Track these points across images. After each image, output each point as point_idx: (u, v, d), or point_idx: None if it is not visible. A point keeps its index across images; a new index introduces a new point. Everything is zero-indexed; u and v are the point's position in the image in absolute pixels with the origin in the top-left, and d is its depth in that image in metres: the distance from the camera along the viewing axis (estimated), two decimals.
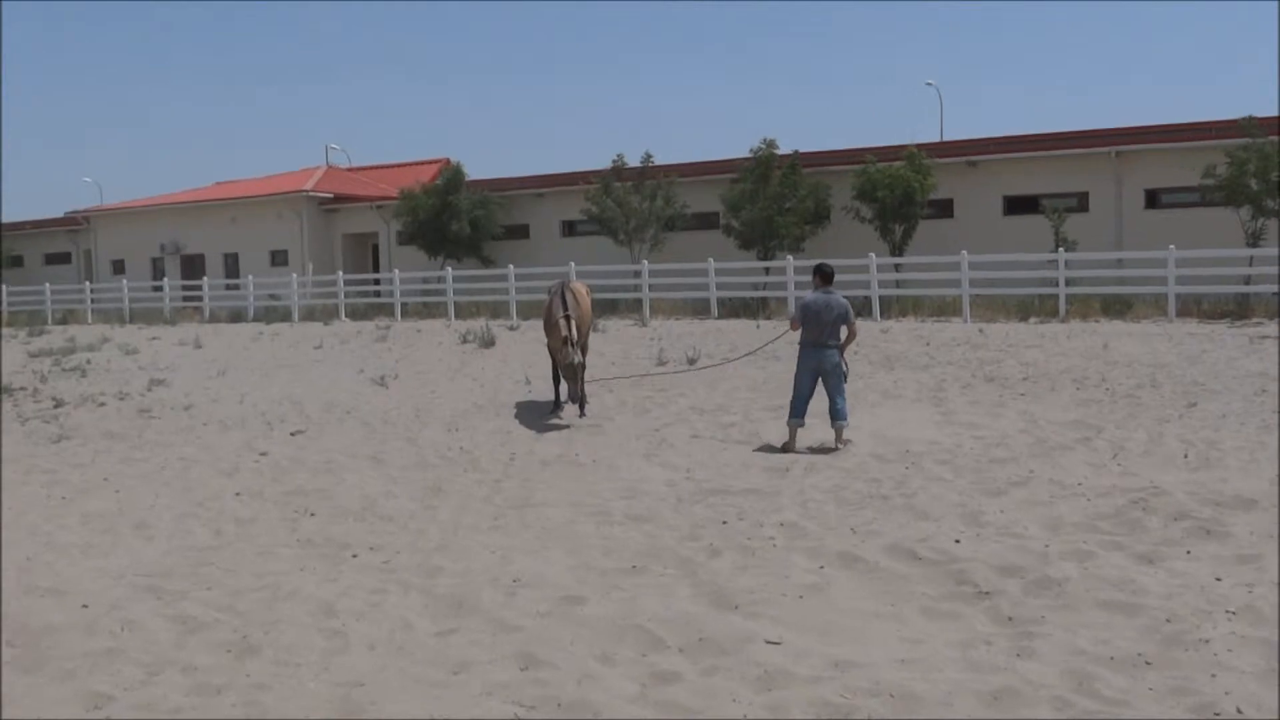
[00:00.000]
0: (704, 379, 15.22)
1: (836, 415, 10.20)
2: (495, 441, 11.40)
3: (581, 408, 12.32)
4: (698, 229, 32.97)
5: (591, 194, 31.67)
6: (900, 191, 26.75)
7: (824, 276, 10.44)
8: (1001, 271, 23.26)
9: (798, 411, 10.25)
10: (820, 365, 10.18)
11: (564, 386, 13.53)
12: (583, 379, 12.19)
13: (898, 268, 27.16)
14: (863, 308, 24.83)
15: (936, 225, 28.70)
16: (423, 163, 47.11)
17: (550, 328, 12.59)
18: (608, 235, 31.62)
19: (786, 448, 10.27)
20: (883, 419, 11.62)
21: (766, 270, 28.49)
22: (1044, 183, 28.08)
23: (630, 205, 31.33)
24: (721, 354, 18.09)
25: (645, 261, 28.09)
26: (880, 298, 24.37)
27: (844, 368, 10.35)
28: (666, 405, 13.16)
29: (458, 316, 30.53)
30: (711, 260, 26.75)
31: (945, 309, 23.81)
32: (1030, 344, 17.17)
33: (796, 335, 10.94)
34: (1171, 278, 20.83)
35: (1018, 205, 28.57)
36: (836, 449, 10.12)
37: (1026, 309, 22.58)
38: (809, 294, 10.31)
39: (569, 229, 36.81)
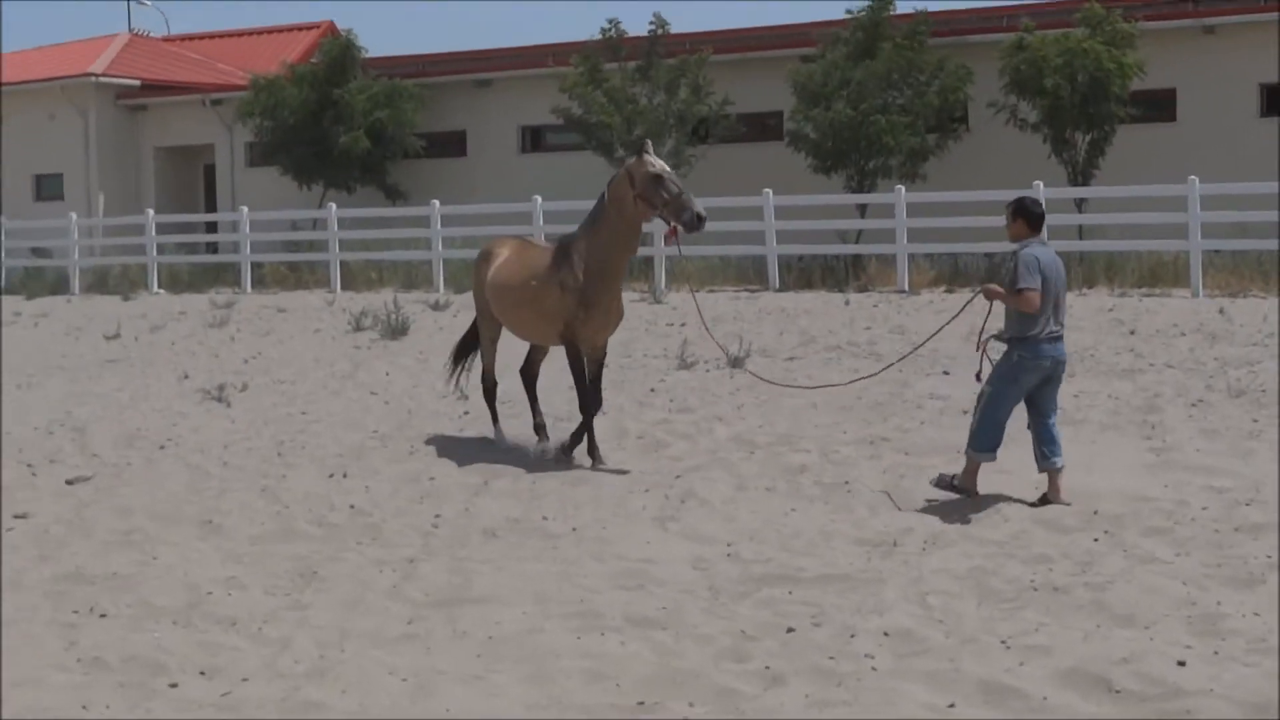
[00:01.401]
0: (754, 392, 15.23)
1: (1054, 450, 10.39)
2: (408, 495, 11.39)
3: (593, 447, 12.32)
4: (746, 140, 33.10)
5: (570, 83, 31.86)
6: (1084, 78, 26.81)
7: (1034, 220, 10.48)
8: (1264, 213, 23.16)
9: (993, 440, 10.40)
10: (1054, 369, 10.37)
11: (504, 411, 13.47)
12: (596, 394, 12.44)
13: (1080, 205, 27.26)
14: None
15: (1146, 134, 28.87)
16: (290, 29, 47.52)
17: (529, 294, 12.52)
18: (596, 150, 31.77)
19: (963, 488, 10.43)
20: (1065, 459, 11.60)
21: (862, 210, 28.58)
22: None
23: (632, 101, 31.41)
24: (788, 348, 18.12)
25: None
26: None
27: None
28: (694, 435, 13.17)
29: (347, 286, 30.70)
30: (769, 193, 26.84)
31: (1160, 273, 23.94)
32: None
33: (992, 316, 10.93)
34: None
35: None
36: (1045, 505, 10.24)
37: None
38: (1035, 247, 10.31)
39: (532, 140, 36.97)
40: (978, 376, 10.52)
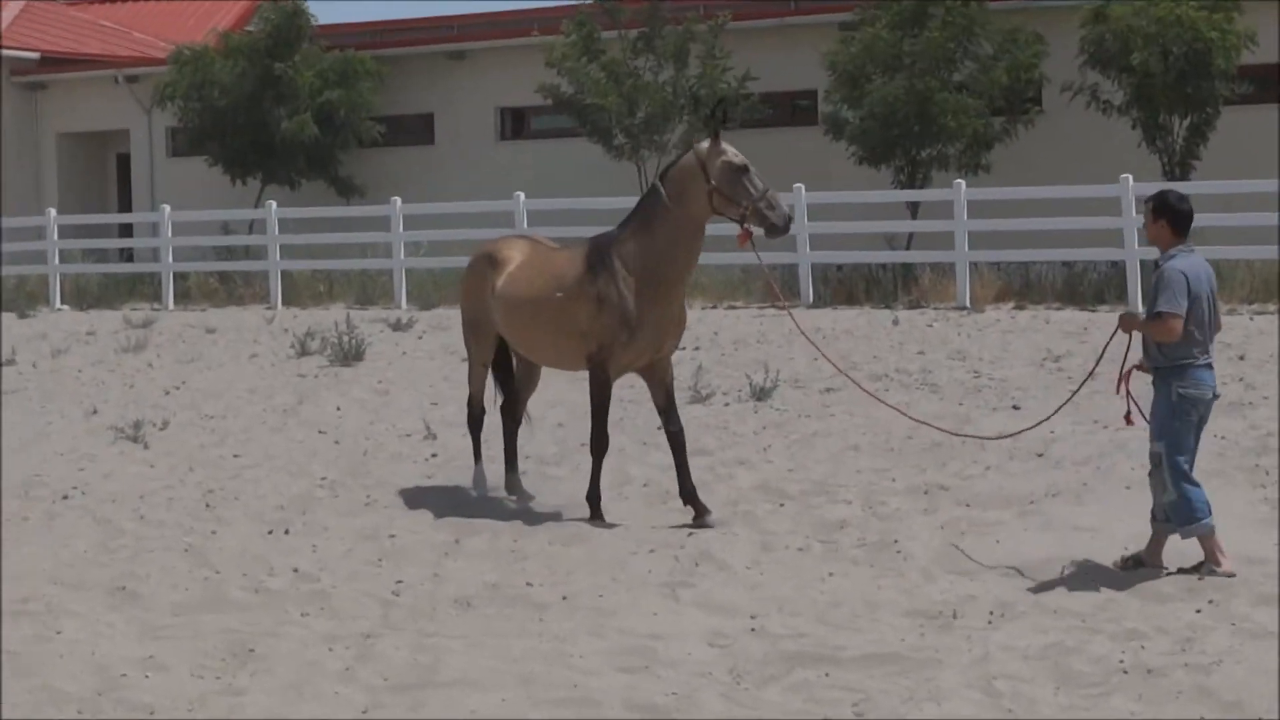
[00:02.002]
0: (784, 430, 15.23)
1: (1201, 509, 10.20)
2: (364, 556, 11.40)
3: (699, 508, 12.10)
4: (772, 124, 33.13)
5: (559, 55, 31.92)
6: (1180, 50, 26.83)
7: (1181, 220, 10.32)
8: None
9: (1199, 502, 10.09)
10: (1210, 405, 10.30)
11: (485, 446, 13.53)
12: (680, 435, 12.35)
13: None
14: (1106, 281, 24.94)
15: (1257, 118, 28.97)
16: None
17: (553, 308, 12.29)
18: (591, 136, 31.87)
19: (1146, 560, 10.28)
20: (1137, 510, 11.62)
21: (914, 210, 28.60)
22: None
23: (635, 76, 31.49)
24: (824, 377, 18.13)
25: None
26: (1143, 265, 24.47)
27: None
28: (710, 483, 13.17)
29: (289, 302, 30.73)
30: (801, 189, 26.90)
31: (1275, 286, 23.86)
32: None
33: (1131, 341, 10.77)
34: None
35: None
36: (1197, 572, 10.11)
37: None
38: (1181, 258, 10.15)
39: (514, 124, 37.06)
40: (1126, 418, 10.57)
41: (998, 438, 13.25)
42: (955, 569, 10.51)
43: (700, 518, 11.92)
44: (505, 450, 13.34)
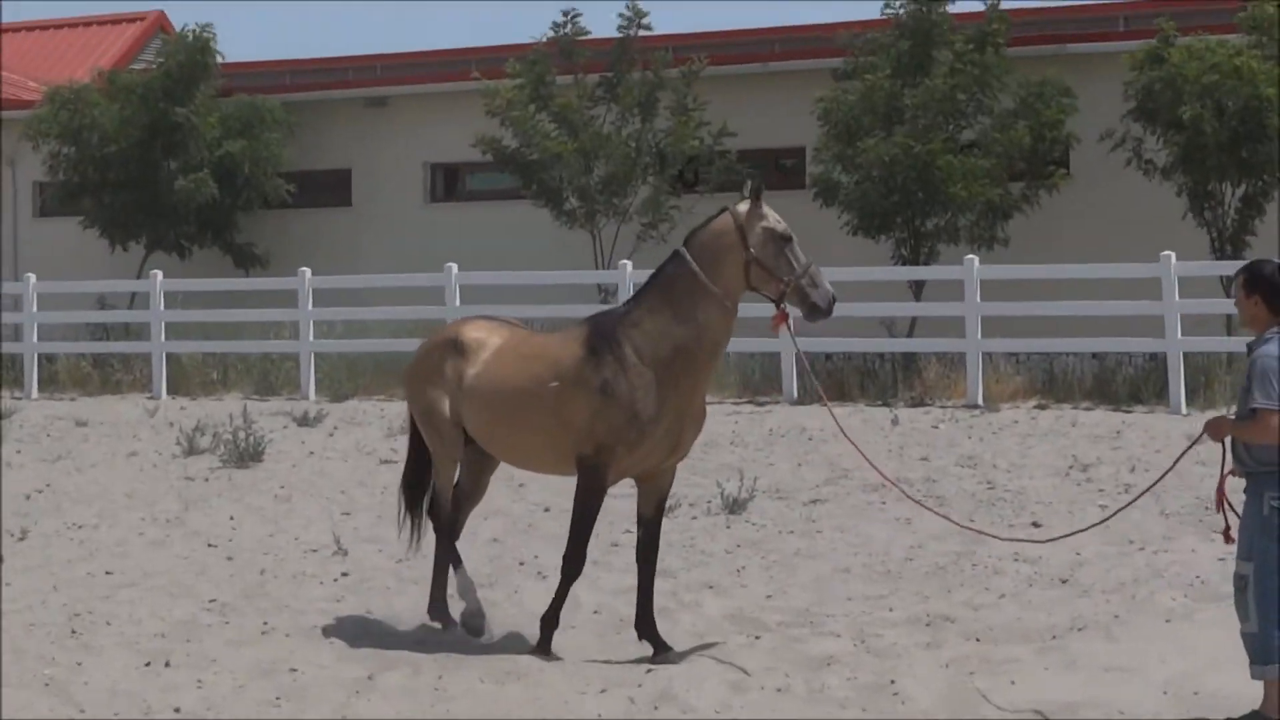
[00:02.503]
0: (761, 549, 15.20)
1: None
2: (259, 695, 11.29)
3: (658, 643, 12.04)
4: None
5: (503, 101, 31.96)
6: (1238, 109, 27.05)
7: (1274, 292, 10.12)
8: None
9: None
10: None
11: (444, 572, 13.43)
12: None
13: (1229, 286, 27.33)
14: (1143, 377, 24.97)
15: None
16: (103, 21, 47.64)
17: (545, 401, 12.06)
18: (538, 199, 31.97)
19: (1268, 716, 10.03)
20: (1179, 646, 11.65)
21: (918, 290, 28.68)
22: None
23: (592, 126, 31.58)
24: (810, 486, 18.12)
25: (627, 264, 28.36)
26: (1186, 356, 24.63)
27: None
28: (674, 610, 13.14)
29: (177, 390, 30.59)
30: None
31: None
32: None
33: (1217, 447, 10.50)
34: None
35: None
36: None
37: None
38: (1275, 344, 9.97)
39: (446, 183, 37.17)
40: (1226, 535, 10.36)
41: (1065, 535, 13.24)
42: (963, 715, 10.45)
43: (660, 653, 11.83)
44: (435, 570, 13.18)
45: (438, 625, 13.02)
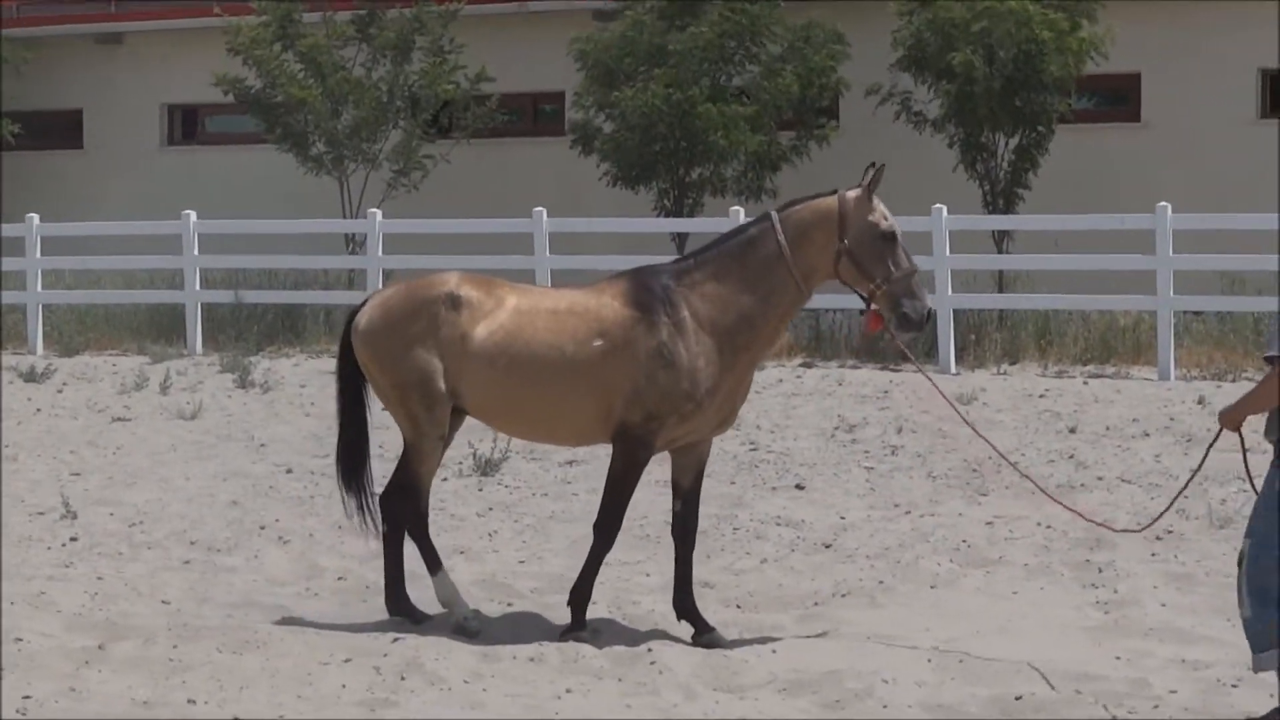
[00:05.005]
0: (514, 512, 15.24)
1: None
2: None
3: (698, 624, 11.66)
4: (511, 134, 33.28)
5: (246, 40, 31.63)
6: (1011, 56, 27.38)
7: None
8: (1263, 256, 23.78)
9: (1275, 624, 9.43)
10: None
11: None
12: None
13: (1001, 241, 27.76)
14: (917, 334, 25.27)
15: (1100, 139, 29.82)
16: None
17: (585, 363, 11.44)
18: (284, 145, 31.78)
19: None
20: (944, 613, 11.84)
21: (680, 242, 28.75)
22: None
23: (343, 69, 31.39)
24: (564, 451, 18.18)
25: (377, 213, 28.17)
26: (956, 314, 24.95)
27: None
28: (421, 574, 13.07)
29: None
30: (542, 213, 26.91)
31: (1114, 344, 24.44)
32: None
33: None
34: None
35: None
36: None
37: None
38: None
39: (185, 126, 36.75)
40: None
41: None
42: (722, 685, 10.49)
43: (702, 634, 11.48)
44: (425, 555, 12.24)
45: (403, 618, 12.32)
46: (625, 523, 14.65)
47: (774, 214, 11.52)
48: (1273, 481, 9.36)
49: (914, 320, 11.22)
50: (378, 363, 11.91)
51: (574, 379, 11.42)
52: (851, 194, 11.28)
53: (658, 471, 16.61)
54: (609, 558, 13.43)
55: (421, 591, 12.06)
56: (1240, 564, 9.46)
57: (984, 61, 27.08)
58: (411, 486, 12.08)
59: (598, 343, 11.33)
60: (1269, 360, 9.24)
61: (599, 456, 17.81)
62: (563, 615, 11.95)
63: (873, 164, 11.56)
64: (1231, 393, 21.07)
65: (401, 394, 11.87)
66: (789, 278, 11.34)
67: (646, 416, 11.30)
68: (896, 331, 11.41)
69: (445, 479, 16.89)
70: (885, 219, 11.21)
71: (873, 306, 11.36)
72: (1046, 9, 27.16)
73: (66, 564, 13.83)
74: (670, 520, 11.91)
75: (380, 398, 12.11)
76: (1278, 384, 9.13)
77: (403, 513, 12.06)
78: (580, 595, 11.62)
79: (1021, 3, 27.01)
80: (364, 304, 12.20)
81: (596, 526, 11.65)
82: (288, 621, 11.94)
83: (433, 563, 11.98)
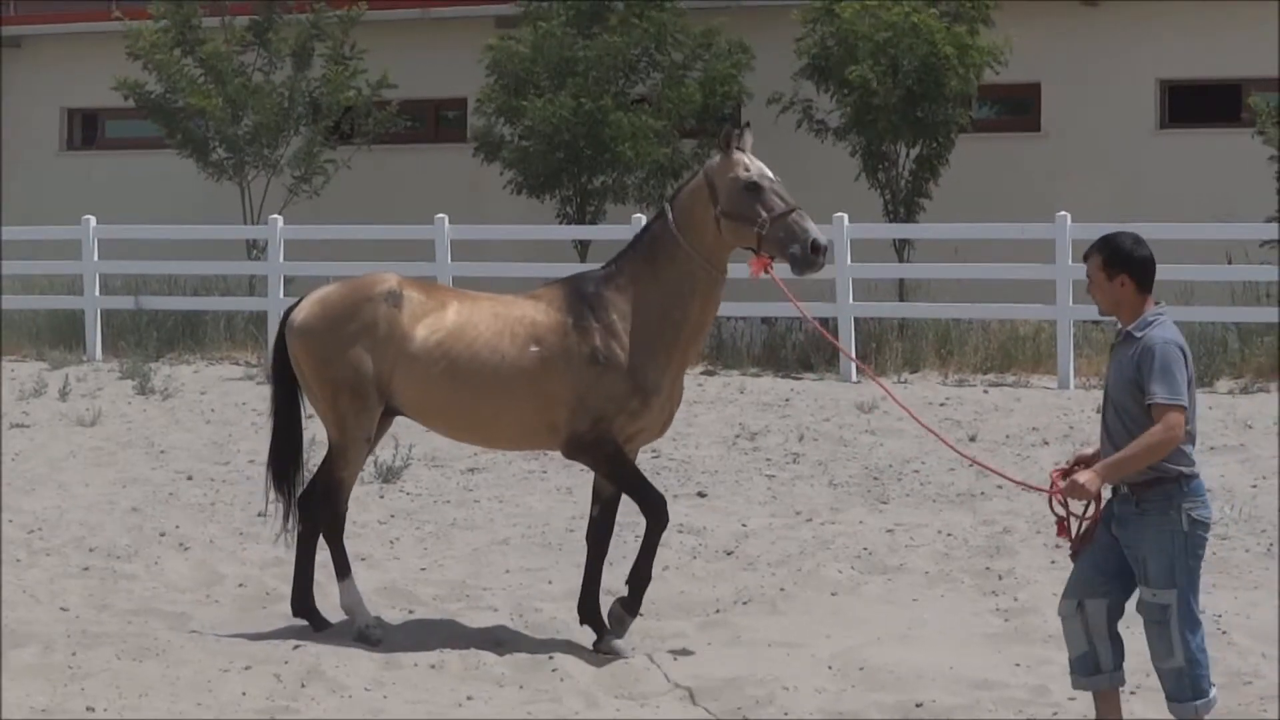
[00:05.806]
0: (415, 519, 15.22)
1: (1119, 657, 9.29)
2: None
3: (599, 630, 11.57)
4: (412, 140, 33.21)
5: (146, 44, 31.45)
6: (914, 66, 27.53)
7: (1145, 272, 9.22)
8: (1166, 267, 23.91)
9: (1206, 673, 9.04)
10: None
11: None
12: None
13: (902, 250, 27.93)
14: (813, 343, 25.36)
15: (1000, 149, 29.93)
16: None
17: (525, 370, 11.41)
18: (184, 150, 31.62)
19: None
20: (844, 620, 11.93)
21: (583, 251, 28.76)
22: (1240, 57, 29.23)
23: (242, 74, 31.29)
24: (467, 458, 18.15)
25: (278, 219, 28.11)
26: (858, 323, 25.05)
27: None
28: (323, 581, 13.05)
29: None
30: (444, 220, 26.88)
31: (1014, 353, 24.61)
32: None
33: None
34: None
35: (1189, 100, 29.94)
36: None
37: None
38: (1167, 325, 9.03)
39: (84, 130, 36.50)
40: (1062, 529, 9.40)
41: None
42: (624, 692, 10.55)
43: (603, 641, 11.40)
44: (336, 560, 12.11)
45: (304, 623, 12.08)
46: (527, 530, 14.76)
47: (666, 206, 11.66)
48: (1160, 523, 8.83)
49: (803, 256, 11.14)
50: (311, 360, 11.79)
51: (512, 383, 11.43)
52: (712, 162, 11.40)
53: (559, 478, 16.74)
54: (511, 564, 13.50)
55: (321, 600, 12.07)
56: (1166, 619, 8.84)
57: (886, 74, 27.12)
58: (332, 489, 11.97)
59: (534, 348, 11.38)
60: (1161, 406, 8.65)
61: (500, 464, 17.91)
62: (471, 623, 11.97)
63: (732, 125, 11.76)
64: None
65: (332, 393, 11.76)
66: (691, 261, 11.35)
67: (594, 421, 11.32)
68: (795, 272, 11.26)
69: None
70: (746, 170, 11.16)
71: (758, 253, 11.27)
72: (946, 19, 27.21)
73: None
74: (586, 525, 11.86)
75: (309, 397, 12.03)
76: (1177, 429, 8.63)
77: (320, 515, 11.96)
78: (640, 579, 11.54)
79: (924, 16, 27.10)
80: (299, 301, 12.12)
81: (644, 511, 11.50)
82: (188, 629, 11.94)
83: (342, 568, 11.92)
